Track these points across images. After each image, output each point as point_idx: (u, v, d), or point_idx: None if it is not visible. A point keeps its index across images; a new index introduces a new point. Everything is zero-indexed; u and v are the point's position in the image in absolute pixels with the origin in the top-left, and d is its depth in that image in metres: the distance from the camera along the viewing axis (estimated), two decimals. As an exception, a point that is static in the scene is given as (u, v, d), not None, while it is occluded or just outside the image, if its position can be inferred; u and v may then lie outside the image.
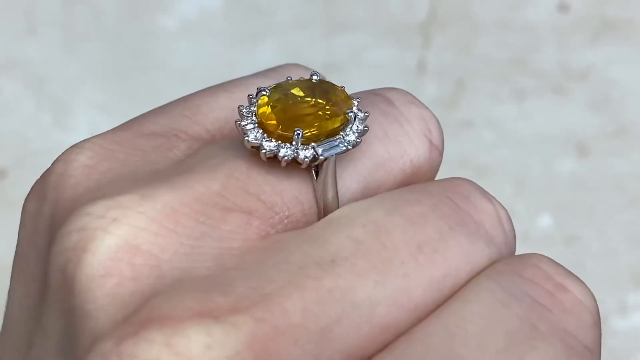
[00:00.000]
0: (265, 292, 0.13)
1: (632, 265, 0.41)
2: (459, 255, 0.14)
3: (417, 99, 0.17)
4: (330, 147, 0.15)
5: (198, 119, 0.17)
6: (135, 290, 0.14)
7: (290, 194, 0.15)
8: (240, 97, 0.17)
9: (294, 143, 0.15)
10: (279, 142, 0.15)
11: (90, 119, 0.44)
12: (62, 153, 0.17)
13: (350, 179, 0.16)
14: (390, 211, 0.15)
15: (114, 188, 0.15)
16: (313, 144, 0.15)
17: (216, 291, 0.13)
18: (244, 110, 0.16)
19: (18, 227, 0.17)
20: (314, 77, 0.16)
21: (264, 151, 0.15)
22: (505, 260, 0.15)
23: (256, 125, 0.16)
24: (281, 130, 0.15)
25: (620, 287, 0.41)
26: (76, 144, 0.17)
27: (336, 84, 0.17)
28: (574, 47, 0.46)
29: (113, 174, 0.16)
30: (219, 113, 0.17)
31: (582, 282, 0.15)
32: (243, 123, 0.16)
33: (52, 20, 0.46)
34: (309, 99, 0.16)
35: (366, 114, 0.16)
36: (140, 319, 0.13)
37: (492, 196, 0.16)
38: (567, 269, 0.15)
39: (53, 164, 0.16)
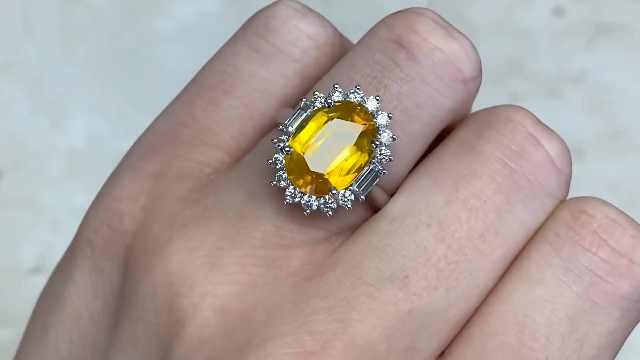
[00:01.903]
0: (348, 324, 0.14)
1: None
2: (518, 227, 0.15)
3: (441, 29, 0.16)
4: (367, 182, 0.16)
5: (214, 141, 0.17)
6: (228, 345, 0.14)
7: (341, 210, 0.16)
8: (239, 101, 0.17)
9: (330, 201, 0.15)
10: (312, 195, 0.15)
11: (87, 121, 0.44)
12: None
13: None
14: (449, 198, 0.15)
15: (182, 265, 0.15)
16: (350, 188, 0.15)
17: (303, 331, 0.14)
18: (277, 171, 0.16)
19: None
20: (334, 96, 0.16)
21: (307, 211, 0.15)
22: (567, 216, 0.15)
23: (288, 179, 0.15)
24: (310, 189, 0.16)
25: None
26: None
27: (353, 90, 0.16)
28: (569, 51, 0.46)
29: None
30: (231, 128, 0.17)
31: (636, 233, 0.16)
32: (276, 182, 0.16)
33: (49, 22, 0.46)
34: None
35: (390, 115, 0.16)
36: None
37: (543, 130, 0.16)
38: (622, 225, 0.16)
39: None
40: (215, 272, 0.15)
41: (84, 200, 0.43)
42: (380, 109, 0.16)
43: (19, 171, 0.43)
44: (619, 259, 0.16)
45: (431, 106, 0.16)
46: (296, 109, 0.16)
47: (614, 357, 0.16)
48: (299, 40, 0.17)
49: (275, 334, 0.14)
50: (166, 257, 0.16)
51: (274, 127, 0.17)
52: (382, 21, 0.17)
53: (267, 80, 0.17)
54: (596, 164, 0.43)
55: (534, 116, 0.17)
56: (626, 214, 0.17)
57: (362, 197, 0.16)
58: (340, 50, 0.18)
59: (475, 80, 0.17)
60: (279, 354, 0.14)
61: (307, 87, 0.17)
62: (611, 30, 0.46)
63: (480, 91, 0.44)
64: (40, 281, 0.41)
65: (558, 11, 0.47)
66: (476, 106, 0.20)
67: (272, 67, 0.17)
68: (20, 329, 0.41)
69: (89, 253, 0.17)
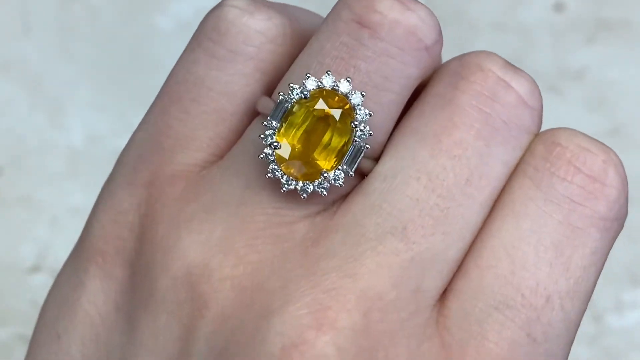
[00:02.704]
0: (358, 278, 0.16)
1: (628, 264, 0.41)
2: (499, 167, 0.17)
3: (398, 4, 0.17)
4: (353, 159, 0.17)
5: (194, 145, 0.19)
6: (250, 314, 0.16)
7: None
8: (208, 107, 0.18)
9: (323, 182, 0.17)
10: (305, 181, 0.17)
11: (86, 118, 0.44)
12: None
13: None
14: (433, 150, 0.17)
15: (198, 257, 0.17)
16: (340, 168, 0.17)
17: (318, 290, 0.15)
18: (264, 156, 0.17)
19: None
20: (307, 85, 0.17)
21: (304, 196, 0.17)
22: (542, 150, 0.17)
23: (279, 167, 0.17)
24: (302, 176, 0.17)
25: (617, 285, 0.41)
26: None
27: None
28: (570, 48, 0.46)
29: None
30: (206, 131, 0.19)
31: (607, 158, 0.17)
32: (271, 175, 0.17)
33: (47, 20, 0.46)
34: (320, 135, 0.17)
35: (362, 94, 0.17)
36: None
37: (512, 72, 0.18)
38: (593, 152, 0.17)
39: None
40: (229, 257, 0.17)
41: (83, 198, 0.43)
42: (353, 89, 0.17)
43: (18, 169, 0.43)
44: (593, 184, 0.17)
45: (399, 77, 0.17)
46: (276, 103, 0.18)
47: (599, 275, 0.17)
48: (250, 38, 0.18)
49: (293, 297, 0.16)
50: (182, 253, 0.17)
51: (255, 116, 0.18)
52: (343, 2, 0.18)
53: (230, 83, 0.18)
54: (597, 160, 0.43)
55: (502, 59, 0.18)
56: (597, 141, 0.18)
57: (352, 173, 0.17)
58: (293, 36, 0.19)
59: (437, 45, 0.18)
60: (300, 314, 0.15)
61: (269, 79, 0.19)
62: (612, 26, 0.46)
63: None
64: (39, 279, 0.41)
65: (558, 7, 0.46)
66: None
67: (231, 70, 0.18)
68: (18, 328, 0.41)
69: (100, 262, 0.18)
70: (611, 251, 0.41)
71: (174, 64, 0.20)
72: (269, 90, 0.19)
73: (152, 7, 0.46)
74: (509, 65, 0.18)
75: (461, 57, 0.18)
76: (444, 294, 0.17)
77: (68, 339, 0.18)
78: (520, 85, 0.18)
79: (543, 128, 0.47)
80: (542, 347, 0.16)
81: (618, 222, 0.17)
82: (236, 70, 0.18)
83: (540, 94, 0.18)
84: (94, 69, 0.45)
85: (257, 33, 0.18)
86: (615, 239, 0.18)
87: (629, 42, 0.46)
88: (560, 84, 0.45)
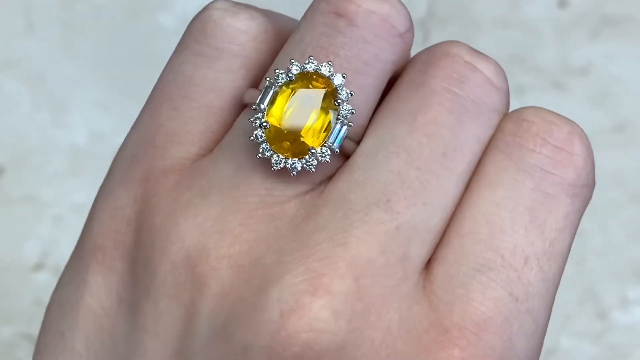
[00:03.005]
0: (349, 247, 0.17)
1: (633, 260, 0.42)
2: (472, 141, 0.18)
3: None
4: (338, 135, 0.18)
5: (186, 139, 0.20)
6: (249, 288, 0.18)
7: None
8: (197, 103, 0.20)
9: (311, 159, 0.18)
10: (294, 159, 0.18)
11: (89, 117, 0.44)
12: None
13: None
14: (410, 128, 0.18)
15: (195, 240, 0.18)
16: (324, 144, 0.18)
17: (312, 260, 0.17)
18: (254, 138, 0.18)
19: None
20: (292, 70, 0.18)
21: (294, 173, 0.18)
22: (511, 126, 0.19)
23: (271, 148, 0.18)
24: (291, 153, 0.18)
25: (622, 282, 0.41)
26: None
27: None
28: (574, 43, 0.46)
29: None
30: (197, 125, 0.20)
31: (571, 130, 0.19)
32: (262, 155, 0.18)
33: (50, 18, 0.46)
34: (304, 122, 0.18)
35: (344, 75, 0.18)
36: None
37: (478, 57, 0.19)
38: (558, 124, 0.19)
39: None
40: (225, 237, 0.18)
41: (86, 196, 0.43)
42: (334, 72, 0.18)
43: (21, 167, 0.43)
44: (560, 153, 0.18)
45: (376, 61, 0.19)
46: (264, 87, 0.19)
47: (573, 237, 0.19)
48: (235, 37, 0.20)
49: (288, 268, 0.17)
50: (180, 238, 0.18)
51: (243, 108, 0.20)
52: None
53: (217, 79, 0.19)
54: (601, 155, 0.43)
55: (467, 46, 0.19)
56: (561, 115, 0.19)
57: (337, 149, 0.18)
58: (274, 34, 0.20)
59: (409, 32, 0.19)
60: (295, 282, 0.17)
61: (254, 74, 0.20)
62: (616, 22, 0.46)
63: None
64: (43, 277, 0.41)
65: (562, 3, 0.47)
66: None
67: (218, 67, 0.20)
68: (22, 327, 0.41)
69: (100, 258, 0.19)
70: (615, 248, 0.41)
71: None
72: (254, 85, 0.20)
73: (155, 4, 0.47)
74: (474, 50, 0.20)
75: (430, 48, 0.20)
76: (429, 262, 0.18)
77: (72, 336, 0.19)
78: (486, 68, 0.19)
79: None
80: (524, 306, 0.17)
81: (587, 188, 0.19)
82: (223, 67, 0.20)
83: (505, 76, 0.19)
84: (97, 67, 0.45)
85: (240, 32, 0.20)
86: (586, 205, 0.19)
87: (633, 38, 0.46)
88: (564, 80, 0.45)
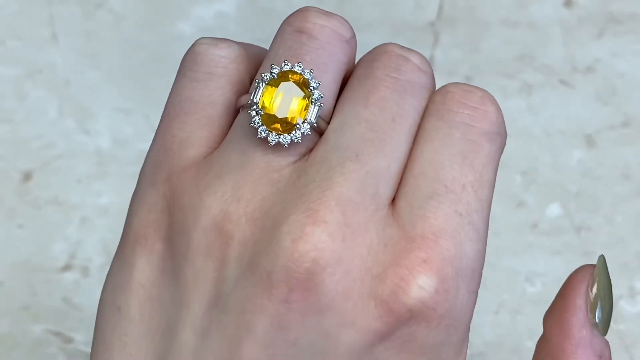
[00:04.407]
0: (333, 190, 0.23)
1: (639, 252, 0.42)
2: (412, 110, 0.24)
3: (322, 14, 0.25)
4: (314, 113, 0.24)
5: (195, 143, 0.25)
6: (264, 232, 0.23)
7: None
8: (200, 115, 0.25)
9: (297, 132, 0.24)
10: (284, 134, 0.24)
11: (112, 122, 0.45)
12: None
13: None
14: (366, 105, 0.24)
15: (219, 208, 0.24)
16: (305, 120, 0.24)
17: (309, 202, 0.22)
18: (253, 123, 0.24)
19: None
20: (274, 72, 0.24)
21: (285, 145, 0.24)
22: (439, 97, 0.25)
23: (267, 128, 0.24)
24: (282, 131, 0.24)
25: (629, 273, 0.41)
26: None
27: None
28: (581, 42, 0.46)
29: None
30: (202, 132, 0.25)
31: (483, 94, 0.24)
32: (261, 135, 0.24)
33: (74, 28, 0.47)
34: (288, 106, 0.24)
35: (311, 71, 0.24)
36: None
37: (406, 50, 0.25)
38: (473, 91, 0.25)
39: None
40: (241, 202, 0.23)
41: (111, 198, 0.44)
42: (304, 69, 0.24)
43: (48, 172, 0.44)
44: (477, 111, 0.24)
45: (332, 62, 0.25)
46: (254, 88, 0.24)
47: (496, 170, 0.24)
48: (219, 62, 0.26)
49: (292, 210, 0.22)
50: (206, 209, 0.23)
51: (236, 113, 0.25)
52: (285, 21, 0.26)
53: (211, 95, 0.25)
54: (608, 152, 0.44)
55: (398, 44, 0.25)
56: (474, 85, 0.25)
57: (315, 124, 0.24)
58: (247, 56, 0.26)
59: (353, 39, 0.25)
60: (299, 219, 0.22)
61: (237, 88, 0.26)
62: (621, 20, 0.47)
63: (494, 83, 0.44)
64: (71, 277, 0.42)
65: (568, 3, 0.47)
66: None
67: (210, 86, 0.25)
68: (52, 325, 0.42)
69: (143, 242, 0.24)
70: (622, 241, 0.42)
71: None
72: (239, 95, 0.25)
73: (174, 13, 0.48)
74: (404, 47, 0.25)
75: (370, 51, 0.25)
76: (394, 199, 0.24)
77: (128, 307, 0.24)
78: (414, 58, 0.25)
79: (556, 123, 0.48)
80: (466, 219, 0.23)
81: (500, 135, 0.24)
82: (213, 86, 0.25)
83: (429, 63, 0.25)
84: (119, 74, 0.46)
85: (222, 57, 0.26)
86: (502, 147, 0.25)
87: (638, 35, 0.46)
88: (571, 78, 0.46)
